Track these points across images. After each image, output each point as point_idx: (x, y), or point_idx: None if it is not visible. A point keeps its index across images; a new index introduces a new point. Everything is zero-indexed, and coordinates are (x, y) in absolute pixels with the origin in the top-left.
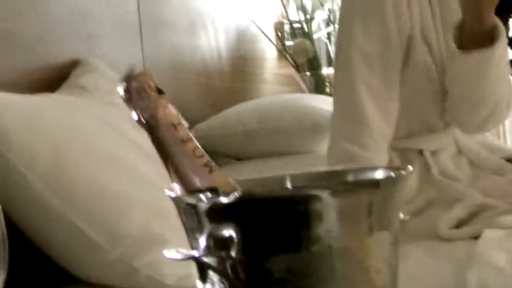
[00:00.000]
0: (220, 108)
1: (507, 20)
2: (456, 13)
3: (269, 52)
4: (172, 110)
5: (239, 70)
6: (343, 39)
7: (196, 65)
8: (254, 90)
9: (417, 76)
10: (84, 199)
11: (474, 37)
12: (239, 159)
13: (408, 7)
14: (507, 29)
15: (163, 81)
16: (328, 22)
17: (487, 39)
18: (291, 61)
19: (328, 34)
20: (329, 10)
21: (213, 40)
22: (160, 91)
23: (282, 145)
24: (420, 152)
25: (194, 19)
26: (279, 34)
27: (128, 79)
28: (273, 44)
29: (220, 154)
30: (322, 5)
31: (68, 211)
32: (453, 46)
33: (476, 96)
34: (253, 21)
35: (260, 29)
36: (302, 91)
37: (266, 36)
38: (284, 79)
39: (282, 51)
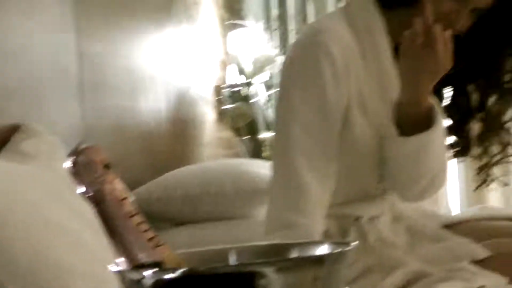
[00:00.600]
0: (160, 171)
1: (442, 96)
2: (393, 85)
3: (208, 115)
4: (118, 185)
5: (179, 133)
6: (283, 109)
7: (137, 127)
8: (194, 153)
9: (355, 145)
10: (26, 270)
11: (411, 119)
12: (178, 223)
13: (347, 77)
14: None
15: (104, 143)
16: (267, 86)
17: (424, 120)
18: (230, 124)
19: (267, 98)
20: (269, 75)
21: (154, 102)
22: (107, 166)
23: (222, 210)
24: (357, 219)
25: (136, 81)
26: (219, 98)
27: (76, 153)
28: (213, 107)
29: (159, 218)
30: (261, 69)
31: (10, 282)
32: (392, 130)
33: (414, 174)
34: (193, 85)
35: (200, 92)
36: (241, 155)
37: (206, 99)
38: (223, 142)
39: (221, 114)
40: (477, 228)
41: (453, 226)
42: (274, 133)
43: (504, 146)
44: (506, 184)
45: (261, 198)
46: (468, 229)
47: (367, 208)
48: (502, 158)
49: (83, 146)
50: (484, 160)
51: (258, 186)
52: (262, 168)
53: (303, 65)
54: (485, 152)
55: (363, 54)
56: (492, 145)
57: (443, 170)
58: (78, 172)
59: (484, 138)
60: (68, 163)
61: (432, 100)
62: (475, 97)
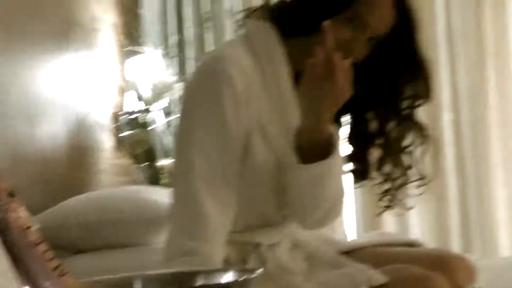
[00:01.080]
0: (59, 198)
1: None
2: (294, 113)
3: (107, 142)
4: (23, 213)
5: (77, 160)
6: (183, 135)
7: (35, 154)
8: (92, 180)
9: (256, 172)
10: None
11: (312, 146)
12: (77, 251)
13: (247, 105)
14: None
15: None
16: (166, 113)
17: (324, 148)
18: (128, 151)
19: (166, 125)
20: (167, 101)
21: (53, 129)
22: (11, 194)
23: (121, 237)
24: (257, 245)
25: (34, 107)
26: (117, 124)
27: None
28: (111, 134)
29: (58, 246)
30: (160, 96)
31: None
32: (292, 157)
33: (314, 201)
34: (91, 111)
35: (98, 119)
36: (139, 182)
37: (104, 126)
38: (120, 169)
39: (119, 141)
40: (375, 254)
41: (351, 252)
42: (174, 160)
43: (405, 170)
44: (409, 208)
45: (160, 225)
46: (366, 255)
47: (267, 235)
48: (404, 183)
49: None
50: (386, 185)
51: (157, 213)
52: (161, 195)
53: (203, 91)
54: (387, 177)
55: (264, 82)
56: (393, 170)
57: (342, 197)
58: None
59: (384, 163)
60: None
61: (332, 128)
62: (374, 124)
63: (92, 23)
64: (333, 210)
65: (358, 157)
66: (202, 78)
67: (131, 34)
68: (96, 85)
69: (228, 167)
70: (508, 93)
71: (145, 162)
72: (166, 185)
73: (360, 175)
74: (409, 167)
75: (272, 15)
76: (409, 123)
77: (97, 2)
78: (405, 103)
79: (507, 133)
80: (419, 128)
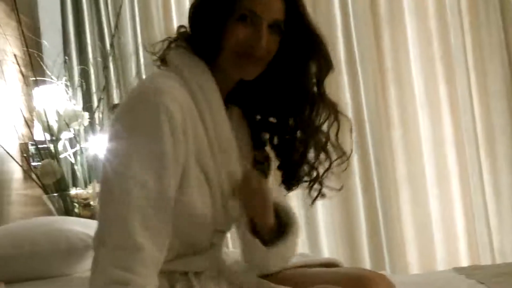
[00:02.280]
0: None
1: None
2: (229, 143)
3: (15, 173)
4: None
5: None
6: (119, 165)
7: None
8: (2, 213)
9: (191, 205)
10: None
11: (267, 228)
12: None
13: (185, 138)
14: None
15: None
16: (74, 143)
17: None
18: (37, 182)
19: (74, 154)
20: (74, 131)
21: None
22: None
23: (38, 269)
24: (184, 273)
25: None
26: (26, 155)
27: None
28: (19, 165)
29: None
30: (68, 126)
31: None
32: (249, 235)
33: (278, 262)
34: None
35: (5, 150)
36: (51, 212)
37: (12, 157)
38: (31, 200)
39: (28, 172)
40: (295, 276)
41: (272, 275)
42: (103, 186)
43: (326, 151)
44: (339, 189)
45: (77, 256)
46: (286, 277)
47: (194, 263)
48: (329, 164)
49: None
50: (313, 173)
51: (74, 244)
52: (76, 225)
53: (142, 123)
54: (312, 165)
55: (200, 114)
56: (316, 155)
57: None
58: None
59: (307, 151)
60: None
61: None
62: (290, 121)
63: None
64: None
65: (286, 163)
66: (140, 110)
67: (36, 65)
68: (2, 116)
69: (164, 199)
70: (409, 112)
71: (56, 192)
72: (79, 214)
73: (291, 179)
74: (329, 146)
75: (186, 44)
76: (321, 102)
77: (1, 34)
78: (312, 82)
79: (410, 151)
80: (331, 105)
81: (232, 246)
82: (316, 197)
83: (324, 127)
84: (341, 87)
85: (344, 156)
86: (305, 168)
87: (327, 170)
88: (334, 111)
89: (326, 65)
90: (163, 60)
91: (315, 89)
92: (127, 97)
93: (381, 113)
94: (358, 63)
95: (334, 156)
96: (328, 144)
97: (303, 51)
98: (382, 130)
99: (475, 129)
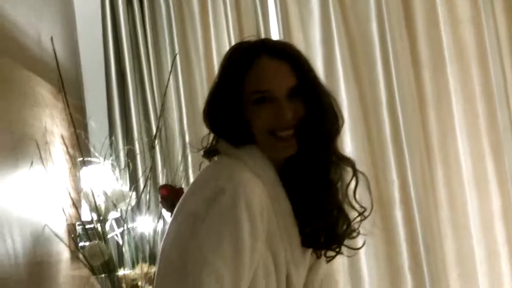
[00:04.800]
0: None
1: None
2: (294, 228)
3: (63, 254)
4: None
5: (35, 276)
6: (194, 257)
7: None
8: None
9: (257, 282)
10: None
11: None
12: None
13: (262, 226)
14: None
15: None
16: (120, 223)
17: None
18: (85, 263)
19: (121, 234)
20: (122, 211)
21: (9, 247)
22: None
23: None
24: None
25: None
26: (73, 236)
27: None
28: (67, 246)
29: None
30: (115, 206)
31: None
32: None
33: None
34: (47, 224)
35: (53, 231)
36: None
37: (59, 238)
38: (79, 281)
39: (76, 253)
40: None
41: None
42: (175, 273)
43: (343, 210)
44: (358, 248)
45: None
46: None
47: None
48: (349, 225)
49: None
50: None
51: None
52: None
53: (221, 216)
54: (332, 224)
55: (272, 205)
56: (337, 214)
57: None
58: None
59: (327, 211)
60: None
61: None
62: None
63: (43, 136)
64: None
65: (309, 225)
66: (220, 202)
67: (82, 146)
68: (49, 198)
69: None
70: (455, 189)
71: (103, 273)
72: None
73: (312, 241)
74: (349, 204)
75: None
76: (338, 159)
77: (49, 115)
78: (326, 143)
79: (459, 231)
80: (348, 162)
81: None
82: (334, 256)
83: (342, 185)
84: (388, 165)
85: (364, 212)
86: (329, 228)
87: (347, 227)
88: (352, 167)
89: (337, 121)
90: (213, 152)
91: (330, 147)
92: (200, 186)
93: (429, 192)
94: (404, 141)
95: (353, 214)
96: (348, 202)
97: (317, 110)
98: (430, 209)
99: None
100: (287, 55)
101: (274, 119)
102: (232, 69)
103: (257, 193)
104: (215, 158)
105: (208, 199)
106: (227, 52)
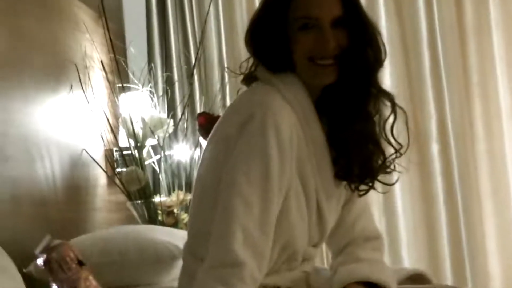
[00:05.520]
0: (60, 238)
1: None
2: (325, 155)
3: (100, 179)
4: (93, 281)
5: (73, 199)
6: (226, 182)
7: (32, 196)
8: (87, 219)
9: (290, 228)
10: None
11: None
12: None
13: (291, 152)
14: None
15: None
16: (158, 150)
17: None
18: (122, 188)
19: (158, 161)
20: (159, 138)
21: (48, 168)
22: (81, 263)
23: (125, 278)
24: (277, 287)
25: (30, 149)
26: (111, 161)
27: (48, 250)
28: (104, 171)
29: None
30: (152, 133)
31: None
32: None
33: None
34: (85, 148)
35: (91, 156)
36: (134, 219)
37: (97, 163)
38: (115, 206)
39: (113, 178)
40: None
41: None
42: (207, 197)
43: (379, 145)
44: (393, 184)
45: (165, 266)
46: None
47: (287, 278)
48: (384, 158)
49: (55, 242)
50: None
51: (162, 254)
52: (163, 235)
53: (251, 141)
54: (367, 158)
55: (301, 127)
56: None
57: None
58: (52, 270)
59: (365, 144)
60: (40, 261)
61: None
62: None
63: (83, 61)
64: None
65: (344, 156)
66: (250, 128)
67: (122, 72)
68: (88, 123)
69: (267, 218)
70: (493, 124)
71: (140, 199)
72: (162, 222)
73: (346, 173)
74: (387, 140)
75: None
76: (378, 92)
77: (88, 40)
78: (369, 72)
79: (495, 164)
80: (387, 96)
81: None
82: (368, 190)
83: (379, 119)
84: (426, 100)
85: (400, 149)
86: (363, 161)
87: (382, 163)
88: (391, 102)
89: (380, 54)
90: (251, 78)
91: (371, 80)
92: (233, 112)
93: (466, 127)
94: (444, 76)
95: (390, 150)
96: (385, 137)
97: (361, 41)
98: (466, 142)
99: None
100: None
101: (316, 46)
102: None
103: (287, 120)
104: (253, 84)
105: (239, 125)
106: None
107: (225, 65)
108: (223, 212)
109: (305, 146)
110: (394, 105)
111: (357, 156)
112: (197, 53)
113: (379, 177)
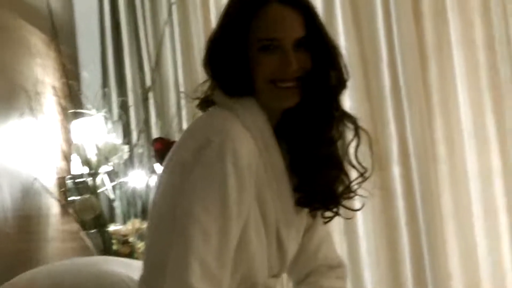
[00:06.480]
0: (8, 275)
1: None
2: (285, 183)
3: (53, 208)
4: None
5: (24, 230)
6: (183, 211)
7: None
8: (40, 249)
9: (248, 246)
10: None
11: None
12: None
13: (249, 180)
14: None
15: None
16: (112, 177)
17: None
18: (75, 217)
19: (113, 189)
20: (114, 165)
21: None
22: None
23: None
24: None
25: None
26: (63, 189)
27: None
28: (57, 200)
29: None
30: (107, 159)
31: None
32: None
33: None
34: (37, 177)
35: (43, 184)
36: (88, 248)
37: (49, 192)
38: (69, 236)
39: (66, 207)
40: None
41: None
42: (163, 225)
43: (343, 170)
44: (357, 209)
45: None
46: None
47: None
48: (349, 183)
49: None
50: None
51: (118, 286)
52: (119, 267)
53: (209, 169)
54: (330, 184)
55: (260, 153)
56: (336, 174)
57: None
58: None
59: (329, 170)
60: None
61: None
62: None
63: (35, 87)
64: None
65: (306, 183)
66: (207, 154)
67: (75, 97)
68: (40, 150)
69: (226, 249)
70: (455, 144)
71: (94, 228)
72: (117, 251)
73: (308, 200)
74: (349, 163)
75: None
76: (341, 116)
77: (40, 65)
78: (332, 95)
79: (457, 185)
80: (350, 119)
81: None
82: (332, 217)
83: (343, 143)
84: (386, 121)
85: (364, 174)
86: (327, 186)
87: (346, 188)
88: (354, 124)
89: (343, 76)
90: (207, 102)
91: (334, 103)
92: (189, 137)
93: (428, 147)
94: (404, 96)
95: (353, 174)
96: (348, 161)
97: (324, 63)
98: (429, 165)
99: None
100: (298, 4)
101: (278, 68)
102: (240, 13)
103: (246, 146)
104: (209, 109)
105: (196, 150)
106: None
107: (181, 88)
108: (179, 242)
109: (264, 173)
110: (357, 128)
111: (320, 182)
112: (152, 76)
113: (343, 203)
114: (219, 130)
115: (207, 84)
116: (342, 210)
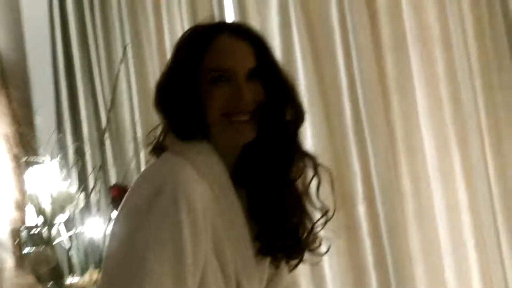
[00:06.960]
0: None
1: None
2: (243, 230)
3: (6, 261)
4: None
5: None
6: (136, 262)
7: None
8: None
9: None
10: None
11: None
12: None
13: (205, 228)
14: None
15: None
16: (69, 226)
17: None
18: (30, 270)
19: (69, 238)
20: (70, 214)
21: None
22: None
23: None
24: None
25: None
26: (17, 241)
27: None
28: (10, 252)
29: None
30: (62, 208)
31: None
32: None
33: None
34: None
35: None
36: None
37: (2, 244)
38: None
39: (20, 260)
40: None
41: None
42: (113, 279)
43: (307, 213)
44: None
45: None
46: None
47: None
48: (312, 226)
49: None
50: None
51: None
52: None
53: (161, 218)
54: (293, 230)
55: (216, 199)
56: (299, 218)
57: None
58: None
59: (289, 215)
60: None
61: None
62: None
63: None
64: None
65: (266, 229)
66: (159, 203)
67: (27, 145)
68: None
69: None
70: (421, 180)
71: (50, 280)
72: None
73: (270, 248)
74: (311, 204)
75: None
76: (299, 155)
77: None
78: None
79: (424, 222)
80: (309, 158)
81: None
82: (297, 265)
83: (303, 182)
84: (349, 158)
85: (327, 215)
86: (289, 234)
87: (310, 232)
88: (313, 163)
89: (300, 109)
90: (160, 148)
91: (293, 139)
92: (142, 183)
93: (393, 184)
94: (367, 132)
95: (317, 215)
96: (310, 201)
97: (278, 95)
98: (394, 202)
99: (491, 196)
100: (249, 35)
101: (231, 100)
102: (190, 46)
103: (200, 194)
104: (162, 155)
105: (148, 198)
106: (185, 32)
107: (138, 131)
108: None
109: (221, 222)
110: (316, 167)
111: (282, 228)
112: (108, 120)
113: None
114: (170, 176)
115: (160, 128)
116: (307, 255)
